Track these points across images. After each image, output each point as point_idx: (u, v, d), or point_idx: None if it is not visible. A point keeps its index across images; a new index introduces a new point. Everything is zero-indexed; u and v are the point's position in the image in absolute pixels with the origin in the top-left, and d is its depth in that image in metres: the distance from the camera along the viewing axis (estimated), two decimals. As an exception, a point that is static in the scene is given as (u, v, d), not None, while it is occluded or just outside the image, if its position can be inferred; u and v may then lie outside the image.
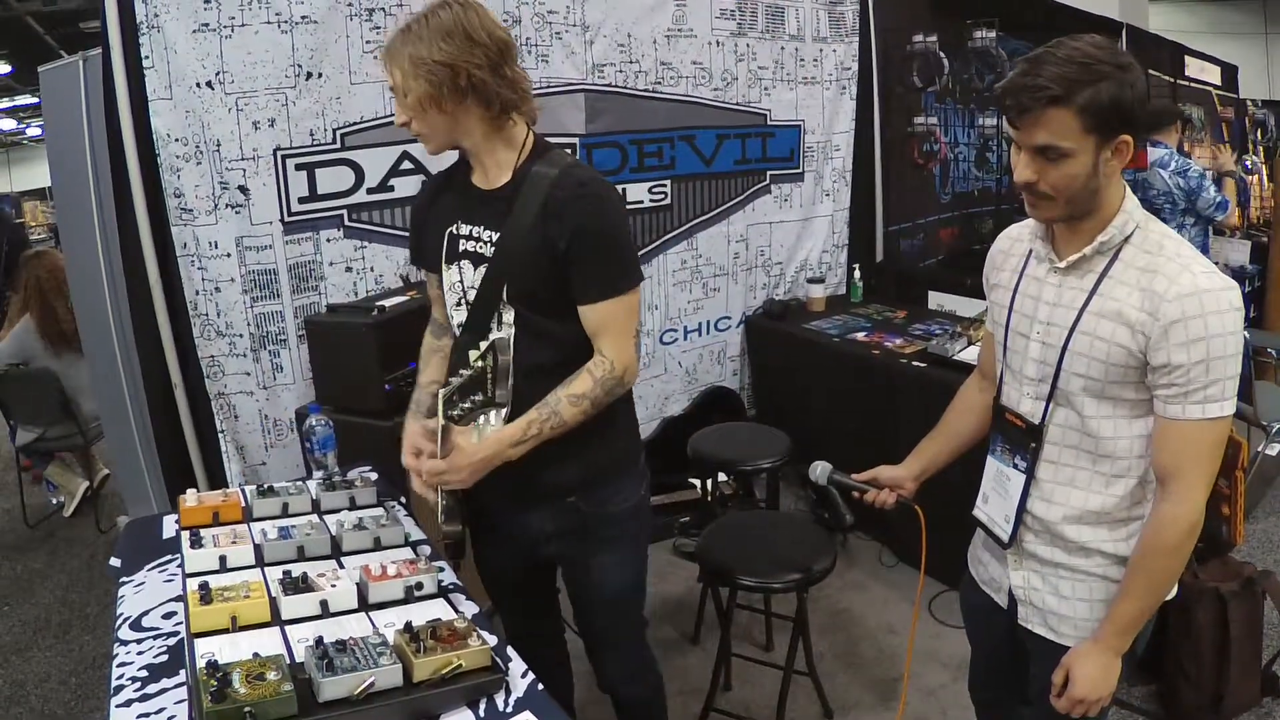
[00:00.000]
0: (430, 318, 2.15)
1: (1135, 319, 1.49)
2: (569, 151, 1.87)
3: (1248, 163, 7.91)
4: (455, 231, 1.90)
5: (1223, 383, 1.46)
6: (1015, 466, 1.72)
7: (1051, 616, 1.72)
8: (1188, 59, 7.96)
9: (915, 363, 3.65)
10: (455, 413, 1.73)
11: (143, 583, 1.92)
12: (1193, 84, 7.97)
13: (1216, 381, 1.46)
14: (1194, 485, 1.50)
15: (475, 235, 1.86)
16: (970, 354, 3.51)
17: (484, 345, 1.73)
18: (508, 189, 1.82)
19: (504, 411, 1.80)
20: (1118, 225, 1.53)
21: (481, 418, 1.80)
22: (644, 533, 2.10)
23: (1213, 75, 8.59)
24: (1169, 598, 1.64)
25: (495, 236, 1.82)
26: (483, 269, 1.84)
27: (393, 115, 3.20)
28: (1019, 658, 1.83)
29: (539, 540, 2.00)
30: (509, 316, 1.84)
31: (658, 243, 4.22)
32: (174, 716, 1.46)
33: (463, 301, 1.90)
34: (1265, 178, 7.98)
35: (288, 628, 1.61)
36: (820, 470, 2.02)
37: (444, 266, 1.93)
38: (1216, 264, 1.70)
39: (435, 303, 2.09)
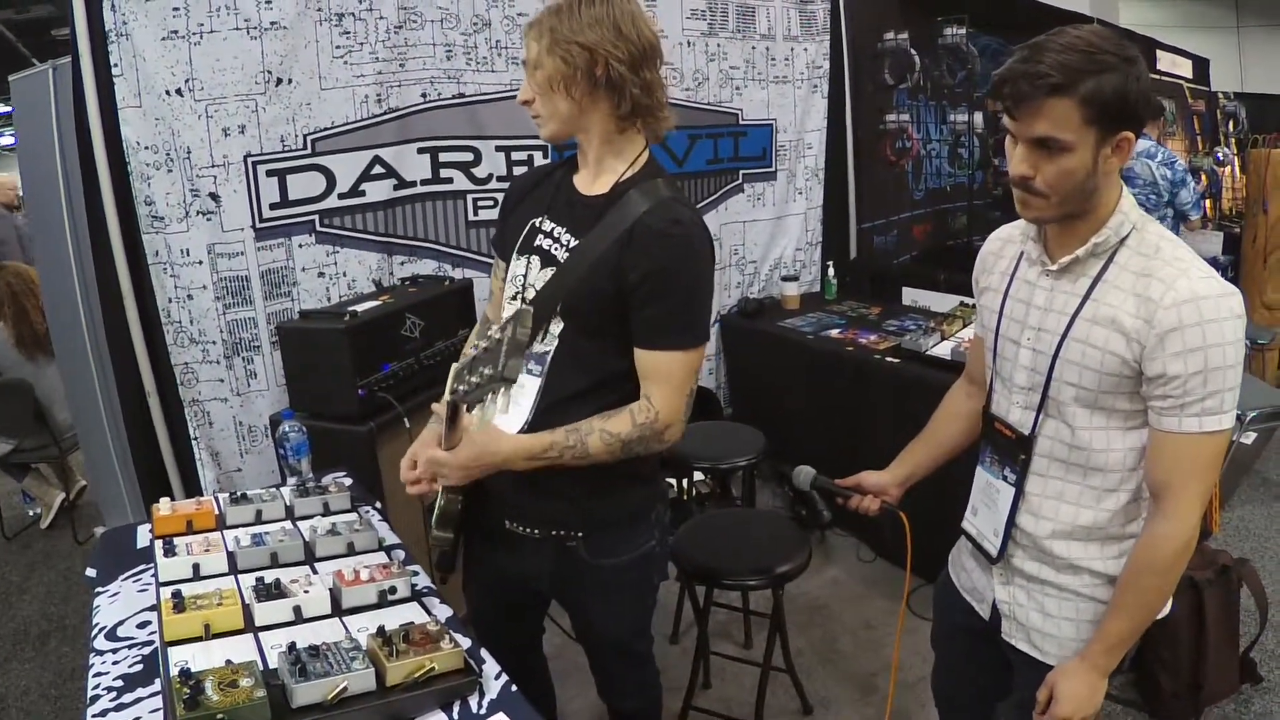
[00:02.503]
0: (478, 321, 2.01)
1: (1130, 326, 1.42)
2: (678, 184, 1.81)
3: (1219, 155, 7.98)
4: (538, 225, 1.81)
5: (1221, 394, 1.38)
6: (1004, 479, 1.66)
7: (1035, 634, 1.67)
8: (1159, 53, 8.01)
9: (889, 359, 3.67)
10: (463, 388, 1.57)
11: (117, 593, 1.92)
12: (1164, 77, 8.02)
13: (1215, 393, 1.38)
14: (1189, 501, 1.43)
15: (556, 236, 1.78)
16: (943, 349, 3.54)
17: (506, 315, 1.62)
18: (602, 200, 1.74)
19: (510, 392, 1.68)
20: (1113, 226, 1.46)
21: (489, 396, 1.68)
22: (649, 582, 1.96)
23: (1184, 69, 8.65)
24: (1162, 615, 1.58)
25: (574, 243, 1.74)
26: (550, 271, 1.76)
27: (362, 120, 3.30)
28: (991, 665, 1.78)
29: (531, 575, 1.91)
30: (556, 328, 1.75)
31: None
32: (148, 725, 1.46)
33: (519, 296, 1.81)
34: (1237, 169, 8.06)
35: (261, 634, 1.61)
36: (804, 476, 1.98)
37: (514, 256, 1.85)
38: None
39: (492, 300, 1.99)
